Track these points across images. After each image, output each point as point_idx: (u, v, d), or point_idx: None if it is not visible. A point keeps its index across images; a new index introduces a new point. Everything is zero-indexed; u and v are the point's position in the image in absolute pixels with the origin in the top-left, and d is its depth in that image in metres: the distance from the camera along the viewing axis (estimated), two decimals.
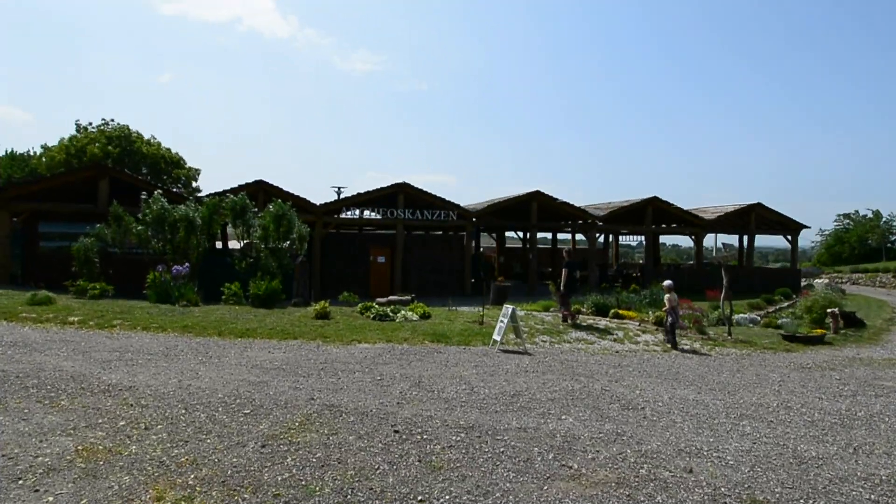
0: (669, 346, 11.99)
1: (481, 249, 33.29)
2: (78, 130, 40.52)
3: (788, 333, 13.82)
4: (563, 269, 14.02)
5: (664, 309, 12.64)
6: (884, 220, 59.38)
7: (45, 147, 41.53)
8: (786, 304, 23.32)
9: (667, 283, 12.91)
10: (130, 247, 17.98)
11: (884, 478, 5.03)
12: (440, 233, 28.59)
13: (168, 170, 42.09)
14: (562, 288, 13.78)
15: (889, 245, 57.60)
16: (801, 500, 4.49)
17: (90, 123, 40.92)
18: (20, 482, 4.21)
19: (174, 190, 36.90)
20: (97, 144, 38.41)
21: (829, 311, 15.74)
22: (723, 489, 4.63)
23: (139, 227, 16.75)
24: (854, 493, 4.69)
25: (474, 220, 26.00)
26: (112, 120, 41.27)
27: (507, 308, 11.13)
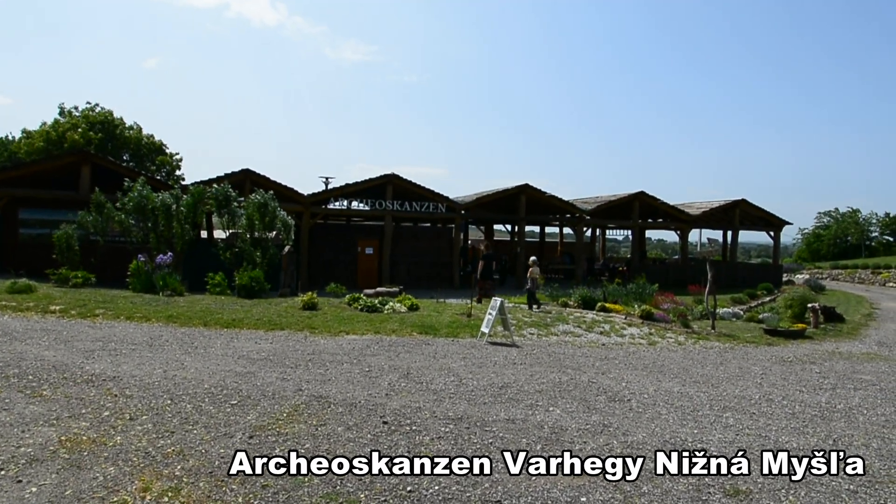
0: (529, 305, 14.77)
1: (469, 242, 33.34)
2: (61, 114, 39.63)
3: (770, 328, 14.04)
4: (480, 261, 16.77)
5: (528, 278, 15.64)
6: (862, 217, 60.58)
7: (25, 132, 40.60)
8: (768, 298, 23.69)
9: (532, 258, 16.27)
10: (113, 235, 17.71)
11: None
12: (429, 225, 28.56)
13: (151, 156, 41.44)
14: (477, 275, 16.69)
15: (868, 242, 58.75)
16: (783, 490, 4.58)
17: (75, 107, 40.08)
18: (2, 473, 4.14)
19: (157, 177, 36.41)
20: (79, 130, 37.63)
21: (809, 305, 16.02)
22: (706, 479, 4.70)
23: (121, 216, 16.49)
24: (834, 483, 4.79)
25: (463, 212, 25.99)
26: (97, 105, 40.47)
27: (496, 300, 11.16)
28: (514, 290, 21.19)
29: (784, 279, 32.47)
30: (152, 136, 42.06)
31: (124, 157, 39.54)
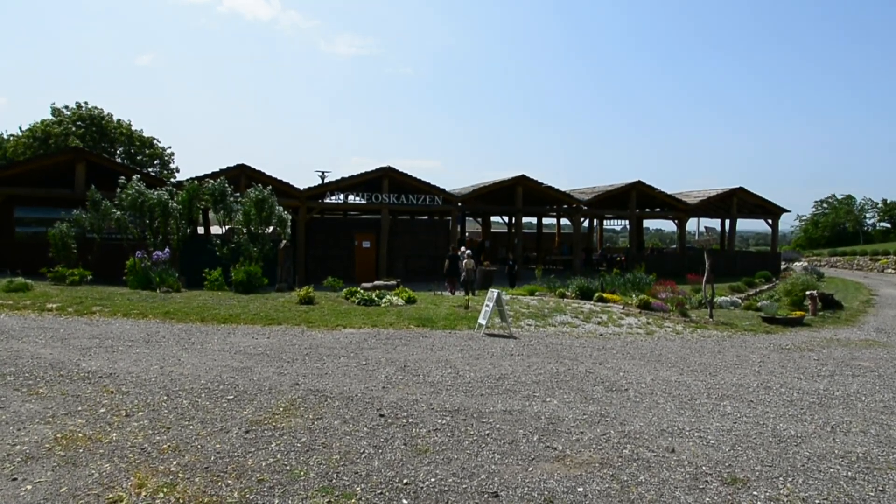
0: (465, 293, 16.51)
1: (466, 235, 33.29)
2: (54, 114, 39.47)
3: (768, 315, 14.05)
4: (447, 259, 18.72)
5: (463, 269, 17.65)
6: (858, 203, 60.67)
7: (17, 130, 40.45)
8: (766, 286, 23.72)
9: (468, 251, 18.27)
10: (109, 232, 17.64)
11: (860, 455, 5.15)
12: (425, 218, 28.50)
13: (142, 150, 41.34)
14: (444, 272, 18.69)
15: (864, 229, 58.85)
16: (781, 478, 4.58)
17: (66, 106, 39.91)
18: None
19: (152, 173, 36.26)
20: (63, 125, 37.49)
21: (807, 293, 16.02)
22: (704, 468, 4.70)
23: (117, 213, 16.43)
24: (832, 470, 4.79)
25: (460, 204, 25.93)
26: (86, 103, 40.29)
27: (493, 292, 11.14)
28: (518, 282, 21.18)
29: (782, 267, 32.50)
30: (142, 130, 41.97)
31: (117, 152, 39.45)
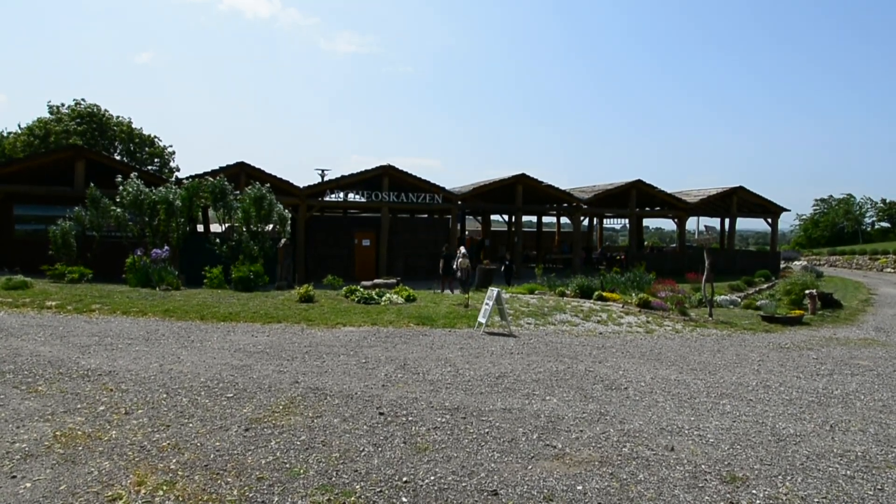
0: (462, 292, 16.24)
1: (466, 233, 33.29)
2: (51, 112, 39.40)
3: (768, 314, 14.06)
4: (441, 259, 19.25)
5: (458, 268, 17.50)
6: (857, 202, 60.65)
7: (16, 128, 40.39)
8: (765, 285, 23.74)
9: (463, 251, 18.06)
10: (109, 230, 17.63)
11: (859, 454, 5.15)
12: (425, 216, 28.51)
13: (142, 148, 41.27)
14: (440, 270, 19.12)
15: (863, 228, 58.87)
16: (780, 477, 4.58)
17: (62, 104, 39.86)
18: None
19: (152, 171, 36.23)
20: (61, 124, 37.44)
21: (807, 292, 16.03)
22: (703, 466, 4.70)
23: (117, 211, 16.42)
24: (830, 468, 4.79)
25: (459, 203, 25.92)
26: (83, 100, 40.22)
27: (493, 291, 11.13)
28: (517, 281, 21.18)
29: (782, 266, 32.53)
30: (141, 129, 41.87)
31: (117, 150, 39.39)
